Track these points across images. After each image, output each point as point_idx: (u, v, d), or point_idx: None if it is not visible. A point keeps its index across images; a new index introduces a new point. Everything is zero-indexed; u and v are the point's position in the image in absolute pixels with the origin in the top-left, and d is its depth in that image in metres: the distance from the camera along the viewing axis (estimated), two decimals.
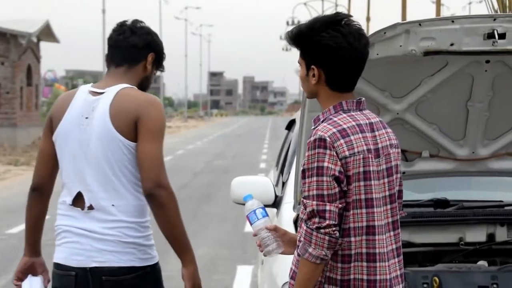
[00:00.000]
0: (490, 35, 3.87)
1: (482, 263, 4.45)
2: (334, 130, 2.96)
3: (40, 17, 41.08)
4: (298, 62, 3.13)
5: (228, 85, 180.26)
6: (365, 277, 2.99)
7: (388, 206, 3.06)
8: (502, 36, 3.87)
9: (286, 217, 4.61)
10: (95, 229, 3.57)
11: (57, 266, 3.70)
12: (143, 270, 3.58)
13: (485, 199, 5.12)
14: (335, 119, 3.00)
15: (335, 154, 2.93)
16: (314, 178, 2.92)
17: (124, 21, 3.77)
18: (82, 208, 3.61)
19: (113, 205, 3.57)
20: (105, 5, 50.90)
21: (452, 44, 3.91)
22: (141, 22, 3.79)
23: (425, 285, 4.14)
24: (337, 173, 2.92)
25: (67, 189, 3.67)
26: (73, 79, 75.88)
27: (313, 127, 3.05)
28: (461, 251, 4.57)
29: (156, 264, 3.66)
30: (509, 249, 4.64)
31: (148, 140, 3.52)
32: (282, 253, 3.21)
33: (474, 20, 3.90)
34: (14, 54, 32.57)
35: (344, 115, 3.02)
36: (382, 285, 3.00)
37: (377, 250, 2.99)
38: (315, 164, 2.93)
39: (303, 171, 2.97)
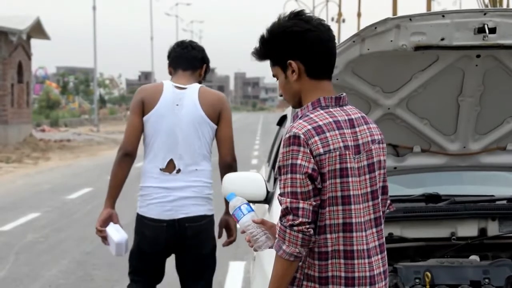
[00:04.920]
0: (481, 30, 3.87)
1: (474, 257, 4.45)
2: (309, 127, 2.95)
3: (30, 13, 40.92)
4: (274, 75, 3.14)
5: (220, 81, 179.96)
6: (343, 274, 2.97)
7: (370, 203, 3.03)
8: (492, 30, 3.87)
9: (277, 213, 4.60)
10: (181, 187, 4.86)
11: (150, 220, 4.87)
12: (210, 217, 4.95)
13: (476, 194, 5.12)
14: (311, 115, 2.99)
15: (308, 151, 2.91)
16: (289, 176, 2.92)
17: (183, 40, 5.19)
18: (170, 172, 4.87)
19: (196, 169, 4.90)
20: (96, 2, 50.87)
21: (442, 39, 3.91)
22: (195, 42, 5.19)
23: (417, 280, 4.14)
24: (310, 171, 2.90)
25: (158, 158, 4.89)
26: (64, 76, 75.71)
27: (291, 124, 3.05)
28: (453, 246, 4.57)
29: (213, 215, 4.99)
30: (500, 244, 4.65)
31: (228, 126, 4.99)
32: (272, 247, 3.19)
33: (465, 14, 3.89)
34: (5, 51, 32.48)
35: (321, 111, 3.01)
36: (361, 282, 2.98)
37: (355, 247, 2.97)
38: (289, 162, 2.92)
39: (279, 168, 2.97)
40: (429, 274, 4.14)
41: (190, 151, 4.89)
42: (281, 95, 3.20)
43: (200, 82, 5.08)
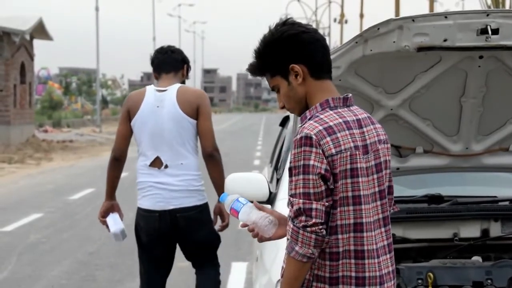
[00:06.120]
0: (484, 31, 3.87)
1: (477, 258, 4.45)
2: (320, 127, 2.95)
3: (33, 14, 40.86)
4: (274, 88, 3.14)
5: (222, 82, 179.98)
6: (353, 274, 2.97)
7: (378, 202, 3.04)
8: (495, 31, 3.87)
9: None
10: (170, 182, 5.37)
11: (144, 210, 5.45)
12: (201, 207, 5.46)
13: (479, 195, 5.12)
14: (321, 116, 2.99)
15: (321, 152, 2.91)
16: (301, 176, 2.91)
17: (162, 46, 5.67)
18: (159, 168, 5.39)
19: (181, 163, 5.38)
20: (98, 3, 50.85)
21: (445, 40, 3.91)
22: (173, 46, 5.69)
23: (419, 281, 4.14)
24: (323, 171, 2.90)
25: (146, 156, 5.42)
26: (67, 77, 75.68)
27: (300, 125, 3.04)
28: (456, 247, 4.57)
29: (207, 202, 5.53)
30: (503, 245, 4.64)
31: (207, 120, 5.39)
32: (274, 236, 3.17)
33: (467, 15, 3.89)
34: (7, 51, 32.47)
35: (331, 112, 3.01)
36: (372, 282, 2.98)
37: (365, 247, 2.98)
38: (301, 162, 2.92)
39: (290, 169, 2.96)
40: (431, 275, 4.14)
41: (174, 147, 5.38)
42: (282, 107, 3.19)
43: (183, 82, 5.59)
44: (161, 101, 5.38)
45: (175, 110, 5.35)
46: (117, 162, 5.54)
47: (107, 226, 5.62)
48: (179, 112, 5.35)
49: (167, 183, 5.37)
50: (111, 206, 5.63)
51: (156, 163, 5.40)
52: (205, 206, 5.51)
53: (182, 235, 5.46)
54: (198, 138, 5.49)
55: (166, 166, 5.38)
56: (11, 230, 12.06)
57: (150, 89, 5.47)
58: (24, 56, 34.63)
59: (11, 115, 32.79)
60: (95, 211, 13.66)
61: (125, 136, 5.50)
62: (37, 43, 39.70)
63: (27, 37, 34.09)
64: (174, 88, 5.42)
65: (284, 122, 6.81)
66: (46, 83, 69.20)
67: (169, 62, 5.54)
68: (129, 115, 5.46)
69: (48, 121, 50.10)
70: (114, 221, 5.59)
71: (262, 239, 3.18)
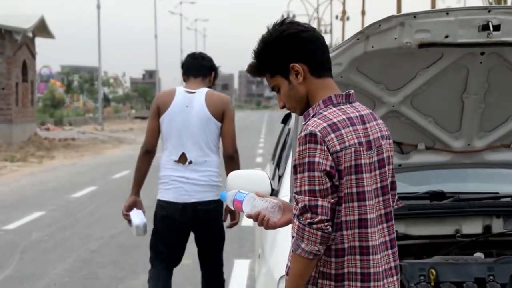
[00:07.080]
0: (485, 27, 3.87)
1: (479, 255, 4.45)
2: (325, 124, 2.95)
3: (34, 12, 40.92)
4: (274, 88, 3.14)
5: (224, 80, 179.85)
6: (359, 270, 2.98)
7: (380, 198, 3.05)
8: (496, 28, 3.87)
9: None
10: (193, 176, 5.73)
11: (166, 202, 5.77)
12: (219, 202, 5.75)
13: (481, 191, 5.11)
14: (325, 113, 2.99)
15: (326, 149, 2.91)
16: (306, 174, 2.91)
17: (194, 52, 6.13)
18: (184, 163, 5.73)
19: (205, 160, 5.75)
20: (100, 1, 50.86)
21: (447, 36, 3.90)
22: (205, 53, 6.10)
23: (421, 277, 4.14)
24: (328, 168, 2.90)
25: (171, 152, 5.77)
26: (69, 75, 75.72)
27: (303, 123, 3.04)
28: (458, 243, 4.57)
29: None
30: (505, 241, 4.65)
31: (231, 123, 5.80)
32: (280, 222, 3.17)
33: (469, 12, 3.89)
34: (9, 50, 32.47)
35: (334, 109, 3.02)
36: (376, 277, 2.99)
37: (370, 243, 2.98)
38: (306, 160, 2.92)
39: (295, 166, 2.96)
40: (433, 271, 4.14)
41: (199, 145, 5.73)
42: (283, 107, 3.19)
43: (210, 87, 5.93)
44: (190, 102, 5.74)
45: (204, 111, 5.72)
46: (148, 154, 5.84)
47: (129, 221, 5.89)
48: (207, 114, 5.72)
49: (191, 177, 5.71)
50: (135, 202, 5.91)
51: (182, 159, 5.74)
52: (221, 203, 5.77)
53: (201, 226, 5.78)
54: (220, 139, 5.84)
55: (190, 162, 5.72)
56: (14, 228, 12.07)
57: (180, 90, 5.83)
58: (26, 54, 34.63)
59: (13, 113, 32.80)
60: (97, 209, 13.72)
61: (155, 131, 5.83)
62: (39, 41, 39.76)
63: (29, 35, 34.09)
64: (202, 91, 5.79)
65: (286, 119, 6.82)
66: (48, 81, 69.26)
67: (198, 68, 5.91)
68: (159, 112, 5.79)
69: (50, 119, 50.15)
70: (138, 216, 5.87)
71: (268, 226, 3.18)
